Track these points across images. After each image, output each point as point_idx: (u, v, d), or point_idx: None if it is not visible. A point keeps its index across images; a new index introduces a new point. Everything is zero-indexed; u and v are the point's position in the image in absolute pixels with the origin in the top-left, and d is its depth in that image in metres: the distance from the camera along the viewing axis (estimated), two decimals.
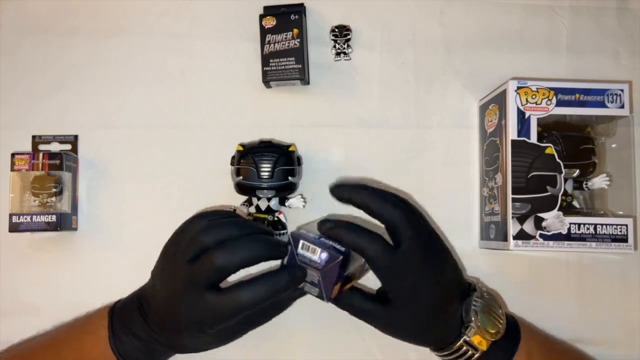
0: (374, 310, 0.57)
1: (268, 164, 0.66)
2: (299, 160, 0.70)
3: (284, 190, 0.68)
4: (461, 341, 0.57)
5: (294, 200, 0.70)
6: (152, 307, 0.57)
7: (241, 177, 0.67)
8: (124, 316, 0.60)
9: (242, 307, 0.52)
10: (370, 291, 0.60)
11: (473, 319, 0.57)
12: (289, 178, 0.67)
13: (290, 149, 0.69)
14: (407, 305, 0.55)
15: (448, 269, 0.58)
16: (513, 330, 0.60)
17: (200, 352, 0.59)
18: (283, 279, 0.53)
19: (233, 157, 0.69)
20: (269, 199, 0.69)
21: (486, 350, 0.57)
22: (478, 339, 0.57)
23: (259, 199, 0.69)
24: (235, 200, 0.70)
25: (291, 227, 0.71)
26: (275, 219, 0.70)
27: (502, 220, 0.65)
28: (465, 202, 0.73)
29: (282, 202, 0.70)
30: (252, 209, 0.70)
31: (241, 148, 0.68)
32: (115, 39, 0.75)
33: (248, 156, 0.67)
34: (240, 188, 0.68)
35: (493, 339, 0.57)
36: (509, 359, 0.58)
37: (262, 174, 0.66)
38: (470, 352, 0.57)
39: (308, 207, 0.71)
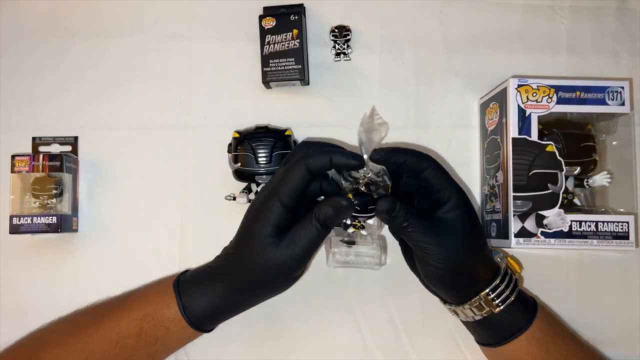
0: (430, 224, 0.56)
1: (265, 150, 0.67)
2: (295, 145, 0.70)
3: None
4: (504, 266, 0.59)
5: None
6: (239, 270, 0.58)
7: (239, 164, 0.67)
8: (195, 287, 0.61)
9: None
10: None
11: (502, 256, 0.60)
12: None
13: (287, 133, 0.69)
14: (464, 213, 0.56)
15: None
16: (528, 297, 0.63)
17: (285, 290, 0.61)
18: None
19: (230, 145, 0.69)
20: None
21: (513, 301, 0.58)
22: (512, 261, 0.63)
23: (258, 184, 0.69)
24: (234, 189, 0.70)
25: None
26: None
27: (504, 218, 0.65)
28: None
29: None
30: (252, 196, 0.69)
31: (237, 135, 0.68)
32: (115, 40, 0.75)
33: (245, 142, 0.68)
34: (239, 175, 0.68)
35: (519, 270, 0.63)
36: (530, 319, 0.59)
37: (260, 159, 0.67)
38: (507, 291, 0.58)
39: None
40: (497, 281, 0.57)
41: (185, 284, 0.61)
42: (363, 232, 0.60)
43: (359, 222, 0.58)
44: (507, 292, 0.57)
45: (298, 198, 0.56)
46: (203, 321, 0.61)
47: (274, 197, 0.55)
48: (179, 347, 0.65)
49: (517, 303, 0.58)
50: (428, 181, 0.56)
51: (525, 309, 0.60)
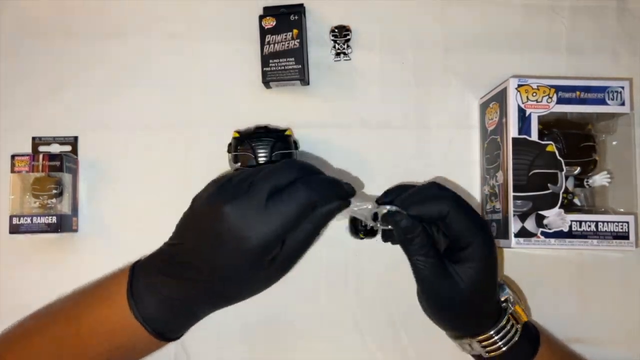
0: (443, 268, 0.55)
1: (265, 149, 0.67)
2: (295, 145, 0.70)
3: None
4: (508, 314, 0.58)
5: None
6: (196, 257, 0.52)
7: (239, 164, 0.67)
8: (149, 277, 0.55)
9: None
10: None
11: (510, 294, 0.59)
12: None
13: (287, 133, 0.69)
14: (480, 271, 0.54)
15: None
16: (532, 328, 0.63)
17: (254, 294, 0.55)
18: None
19: (230, 145, 0.69)
20: None
21: (517, 340, 0.58)
22: (519, 309, 0.60)
23: None
24: None
25: None
26: None
27: (504, 218, 0.64)
28: (467, 201, 0.73)
29: None
30: None
31: (237, 135, 0.68)
32: (115, 40, 0.75)
33: (245, 142, 0.67)
34: None
35: (528, 320, 0.60)
36: (535, 348, 0.60)
37: (260, 159, 0.66)
38: (513, 329, 0.58)
39: None
40: (502, 323, 0.57)
41: (139, 288, 0.55)
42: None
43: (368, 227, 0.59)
44: (511, 334, 0.58)
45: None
46: (167, 330, 0.56)
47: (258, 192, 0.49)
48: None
49: (521, 340, 0.58)
50: (447, 225, 0.54)
51: (529, 342, 0.60)
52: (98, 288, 0.61)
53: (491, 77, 0.73)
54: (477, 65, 0.75)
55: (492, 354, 0.58)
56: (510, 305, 0.59)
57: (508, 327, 0.57)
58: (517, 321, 0.59)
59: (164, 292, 0.54)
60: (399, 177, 0.72)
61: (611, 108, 0.65)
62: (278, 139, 0.67)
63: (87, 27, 0.75)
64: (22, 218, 0.68)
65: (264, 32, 0.71)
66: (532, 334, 0.61)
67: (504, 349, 0.57)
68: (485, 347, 0.57)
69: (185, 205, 0.57)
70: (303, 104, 0.74)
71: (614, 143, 0.69)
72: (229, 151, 0.69)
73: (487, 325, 0.57)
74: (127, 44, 0.75)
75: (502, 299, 0.59)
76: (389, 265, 0.70)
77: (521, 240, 0.63)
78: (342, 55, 0.75)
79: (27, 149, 0.73)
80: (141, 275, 0.56)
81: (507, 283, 0.63)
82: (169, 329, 0.56)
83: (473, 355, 0.61)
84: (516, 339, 0.58)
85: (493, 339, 0.57)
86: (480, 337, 0.57)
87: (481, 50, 0.75)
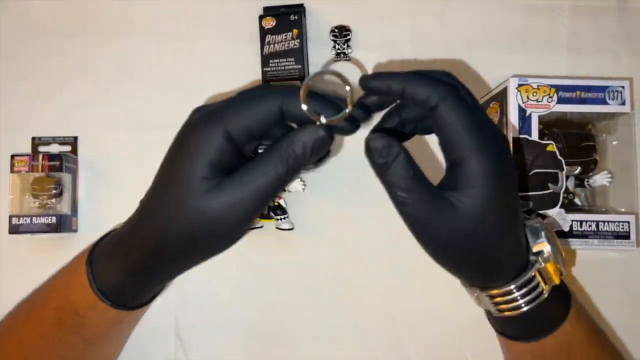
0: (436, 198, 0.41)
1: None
2: None
3: None
4: (534, 270, 0.45)
5: (293, 184, 0.65)
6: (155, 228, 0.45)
7: None
8: (108, 259, 0.51)
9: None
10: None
11: (546, 242, 0.46)
12: None
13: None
14: (483, 200, 0.40)
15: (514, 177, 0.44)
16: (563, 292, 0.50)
17: (216, 254, 0.46)
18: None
19: None
20: None
21: (547, 296, 0.46)
22: (552, 268, 0.46)
23: None
24: None
25: (291, 212, 0.70)
26: (275, 203, 0.67)
27: None
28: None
29: None
30: None
31: None
32: (115, 40, 0.75)
33: None
34: None
35: (561, 277, 0.47)
36: (567, 311, 0.49)
37: None
38: (539, 288, 0.46)
39: (307, 194, 0.71)
40: (526, 278, 0.45)
41: (98, 259, 0.51)
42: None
43: None
44: (535, 292, 0.46)
45: (253, 136, 0.42)
46: (125, 297, 0.50)
47: (217, 123, 0.41)
48: (114, 330, 0.55)
49: (548, 303, 0.47)
50: (439, 128, 0.41)
51: (556, 307, 0.49)
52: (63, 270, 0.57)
53: (491, 78, 0.73)
54: (478, 65, 0.75)
55: (507, 313, 0.46)
56: (540, 260, 0.46)
57: (533, 284, 0.45)
58: (545, 282, 0.46)
59: (122, 267, 0.49)
60: None
61: (611, 108, 0.65)
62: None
63: (86, 27, 0.75)
64: (21, 218, 0.68)
65: (264, 32, 0.71)
66: (562, 298, 0.49)
67: (524, 309, 0.45)
68: (497, 303, 0.46)
69: None
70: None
71: (615, 143, 0.69)
72: None
73: (502, 277, 0.45)
74: (127, 44, 0.75)
75: (535, 249, 0.46)
76: (389, 265, 0.70)
77: None
78: (342, 55, 0.74)
79: (27, 149, 0.73)
80: (102, 253, 0.52)
81: (548, 228, 0.49)
82: (129, 298, 0.52)
83: (487, 314, 0.51)
84: (542, 299, 0.45)
85: (512, 295, 0.45)
86: (493, 292, 0.45)
87: (481, 49, 0.75)
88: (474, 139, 0.40)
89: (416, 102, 0.41)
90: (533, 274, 0.45)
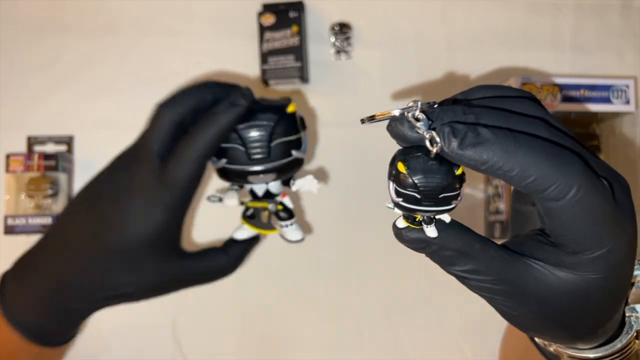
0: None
1: (261, 137, 0.46)
2: (302, 123, 0.51)
3: (288, 171, 0.49)
4: (633, 333, 0.38)
5: (303, 181, 0.51)
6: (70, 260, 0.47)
7: (225, 160, 0.47)
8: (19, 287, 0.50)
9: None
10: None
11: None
12: (293, 153, 0.48)
13: (289, 109, 0.48)
14: (604, 286, 0.33)
15: None
16: None
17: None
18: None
19: None
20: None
21: None
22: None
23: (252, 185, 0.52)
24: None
25: (299, 214, 0.69)
26: (280, 206, 0.52)
27: (507, 219, 0.64)
28: (470, 201, 0.72)
29: (285, 182, 0.52)
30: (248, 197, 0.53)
31: None
32: (112, 37, 0.74)
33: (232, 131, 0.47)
34: (226, 174, 0.49)
35: None
36: None
37: (254, 152, 0.46)
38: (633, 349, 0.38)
39: (306, 194, 0.70)
40: (624, 342, 0.37)
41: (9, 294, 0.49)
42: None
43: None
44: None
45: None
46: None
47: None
48: None
49: None
50: (553, 218, 0.31)
51: None
52: None
53: (494, 76, 0.72)
54: (481, 64, 0.74)
55: None
56: (633, 319, 0.38)
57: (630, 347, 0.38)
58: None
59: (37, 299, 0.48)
60: None
61: (616, 107, 0.64)
62: (279, 120, 0.47)
63: (83, 25, 0.74)
64: (17, 218, 0.67)
65: (262, 29, 0.70)
66: None
67: None
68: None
69: None
70: (302, 102, 0.73)
71: (619, 142, 0.68)
72: None
73: (595, 339, 0.37)
74: (124, 42, 0.74)
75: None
76: (390, 265, 0.70)
77: None
78: (342, 53, 0.74)
79: (22, 148, 0.72)
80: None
81: None
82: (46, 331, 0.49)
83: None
84: None
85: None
86: (579, 355, 0.38)
87: (484, 48, 0.74)
88: (605, 233, 0.31)
89: (526, 189, 0.30)
90: (633, 334, 0.38)
